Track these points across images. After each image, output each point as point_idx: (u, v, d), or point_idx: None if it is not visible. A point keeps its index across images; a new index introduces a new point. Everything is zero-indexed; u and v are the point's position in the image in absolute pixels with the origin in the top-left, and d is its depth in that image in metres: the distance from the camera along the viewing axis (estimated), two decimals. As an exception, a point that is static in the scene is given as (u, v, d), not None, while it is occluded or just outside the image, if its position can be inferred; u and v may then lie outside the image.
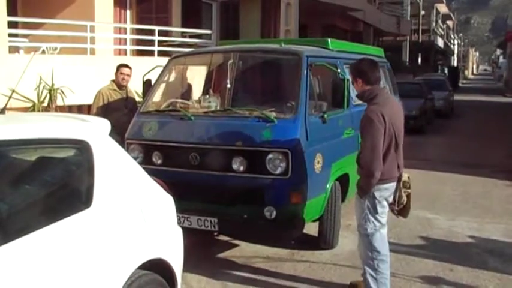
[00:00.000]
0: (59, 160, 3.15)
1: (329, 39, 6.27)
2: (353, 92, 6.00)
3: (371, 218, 4.13)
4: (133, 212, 3.20)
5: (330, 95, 5.33)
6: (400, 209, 4.26)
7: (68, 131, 3.09)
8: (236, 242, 5.80)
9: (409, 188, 4.23)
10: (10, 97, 3.72)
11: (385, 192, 4.13)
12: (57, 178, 3.11)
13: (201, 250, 5.40)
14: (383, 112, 3.99)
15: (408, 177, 4.24)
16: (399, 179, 4.16)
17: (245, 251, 5.61)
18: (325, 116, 5.24)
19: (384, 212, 4.19)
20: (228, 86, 5.37)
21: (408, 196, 4.23)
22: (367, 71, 4.18)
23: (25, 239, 2.57)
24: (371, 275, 4.18)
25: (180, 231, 3.66)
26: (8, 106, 7.00)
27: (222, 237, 5.86)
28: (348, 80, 5.29)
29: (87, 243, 2.84)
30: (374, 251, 4.16)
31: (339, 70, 5.64)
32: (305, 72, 5.15)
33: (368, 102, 4.17)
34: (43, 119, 3.47)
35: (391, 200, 4.20)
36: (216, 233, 5.62)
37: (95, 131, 3.20)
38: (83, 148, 3.07)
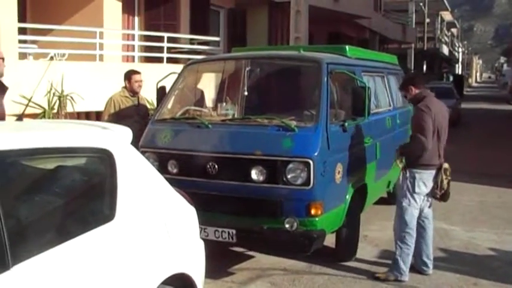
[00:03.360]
0: (80, 170, 3.03)
1: (347, 46, 6.13)
2: (372, 101, 5.91)
3: (408, 195, 4.96)
4: (157, 225, 3.06)
5: (350, 103, 5.19)
6: (442, 194, 5.00)
7: (89, 139, 2.97)
8: (252, 253, 5.65)
9: (449, 175, 5.01)
10: (27, 105, 3.60)
11: (423, 175, 4.94)
12: (78, 189, 2.98)
13: (216, 261, 5.23)
14: (430, 106, 4.95)
15: (449, 166, 5.02)
16: (441, 167, 4.96)
17: (261, 262, 5.47)
18: (346, 124, 5.12)
19: (420, 194, 4.96)
20: (246, 93, 5.23)
21: (448, 183, 5.02)
22: (414, 77, 5.42)
23: (45, 255, 2.44)
24: (398, 244, 4.97)
25: (202, 244, 3.53)
26: (18, 112, 6.98)
27: (237, 248, 5.70)
28: (369, 88, 5.15)
29: (110, 258, 2.71)
30: (403, 223, 4.95)
31: (358, 77, 5.51)
32: (325, 79, 5.01)
33: (419, 102, 5.07)
34: (63, 126, 3.34)
35: (430, 186, 4.96)
36: (232, 245, 5.47)
37: (117, 140, 3.07)
38: (105, 157, 2.94)
